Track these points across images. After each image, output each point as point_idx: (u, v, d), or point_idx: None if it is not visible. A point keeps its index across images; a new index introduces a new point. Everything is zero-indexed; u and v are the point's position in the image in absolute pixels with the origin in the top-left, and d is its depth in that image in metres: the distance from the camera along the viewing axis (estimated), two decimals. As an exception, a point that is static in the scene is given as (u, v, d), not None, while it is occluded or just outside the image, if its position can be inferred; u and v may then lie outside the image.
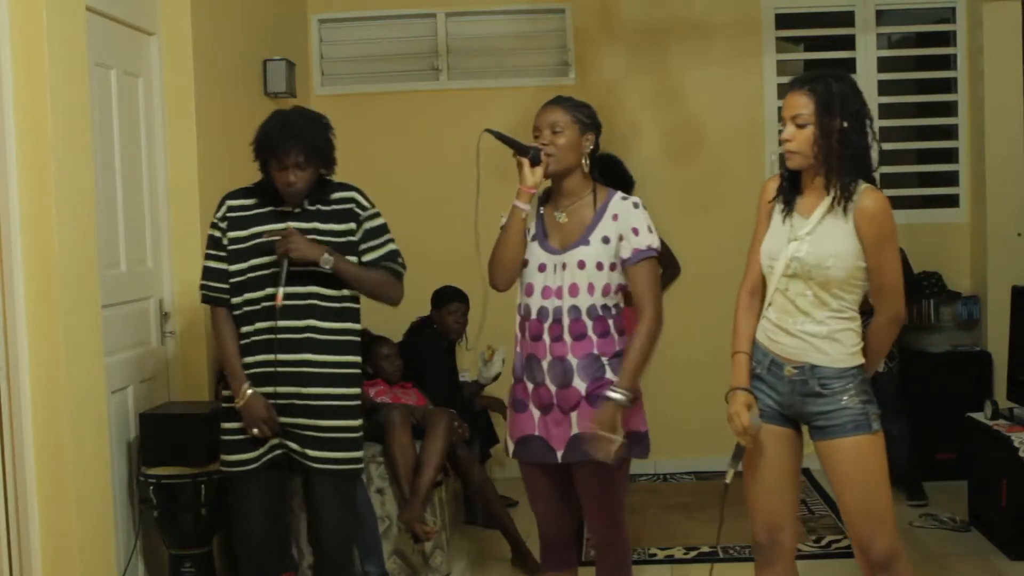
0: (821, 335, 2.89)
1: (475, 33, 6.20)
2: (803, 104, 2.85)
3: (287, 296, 3.26)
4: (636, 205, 3.15)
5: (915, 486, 5.37)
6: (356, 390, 3.44)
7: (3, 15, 3.15)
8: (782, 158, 2.95)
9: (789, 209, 2.95)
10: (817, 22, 6.26)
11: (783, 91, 3.04)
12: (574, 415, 3.09)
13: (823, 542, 4.77)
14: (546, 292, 3.12)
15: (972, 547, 4.72)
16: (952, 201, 6.16)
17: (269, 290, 3.30)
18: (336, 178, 3.50)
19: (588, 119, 3.15)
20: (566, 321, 3.09)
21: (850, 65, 6.06)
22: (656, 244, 3.14)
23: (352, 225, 3.38)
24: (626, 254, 3.11)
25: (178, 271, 4.25)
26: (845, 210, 2.83)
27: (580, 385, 3.08)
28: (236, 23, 4.93)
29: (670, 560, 4.66)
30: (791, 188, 2.97)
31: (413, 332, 5.36)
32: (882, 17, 6.15)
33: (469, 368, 5.55)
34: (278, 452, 3.36)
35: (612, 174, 3.99)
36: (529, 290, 3.15)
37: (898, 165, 6.21)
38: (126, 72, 4.06)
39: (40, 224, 3.21)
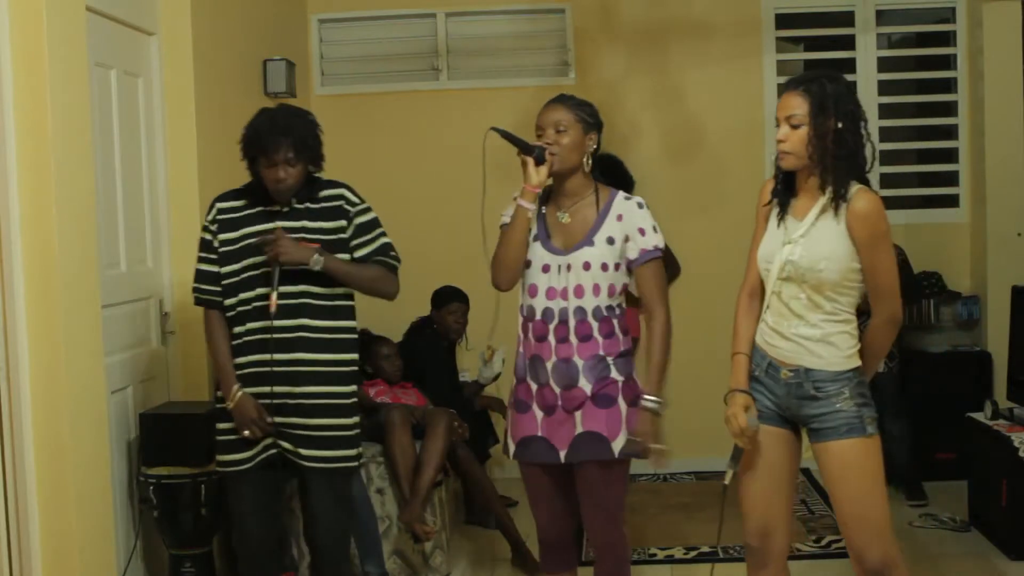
0: (815, 338, 2.89)
1: (475, 33, 6.20)
2: (797, 104, 2.85)
3: (279, 295, 3.26)
4: (640, 205, 3.15)
5: (915, 486, 5.37)
6: (351, 388, 3.43)
7: (3, 15, 3.15)
8: (776, 159, 2.95)
9: (783, 212, 2.96)
10: (817, 22, 6.26)
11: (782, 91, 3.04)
12: (578, 415, 3.09)
13: (823, 542, 4.77)
14: (550, 293, 3.11)
15: (972, 547, 4.72)
16: (952, 201, 6.16)
17: (260, 290, 3.30)
18: (331, 177, 3.50)
19: (591, 118, 3.14)
20: (572, 322, 3.09)
21: (850, 65, 6.06)
22: (661, 244, 3.15)
23: (342, 222, 3.37)
24: (633, 255, 3.12)
25: (178, 271, 4.25)
26: (837, 211, 2.83)
27: (586, 386, 3.08)
28: (236, 23, 4.93)
29: (670, 560, 4.66)
30: (785, 190, 2.97)
31: (413, 332, 5.36)
32: (882, 17, 6.15)
33: (469, 368, 5.55)
34: (272, 452, 3.36)
35: (613, 174, 3.99)
36: (533, 291, 3.14)
37: (898, 165, 6.21)
38: (126, 72, 4.06)
39: (40, 224, 3.21)
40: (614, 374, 3.10)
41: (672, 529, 5.07)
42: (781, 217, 2.96)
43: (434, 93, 6.20)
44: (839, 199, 2.82)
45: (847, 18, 6.12)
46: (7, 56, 3.16)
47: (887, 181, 5.97)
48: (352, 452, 3.43)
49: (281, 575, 3.99)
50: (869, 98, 6.03)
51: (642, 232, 3.12)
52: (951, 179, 6.18)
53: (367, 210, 3.42)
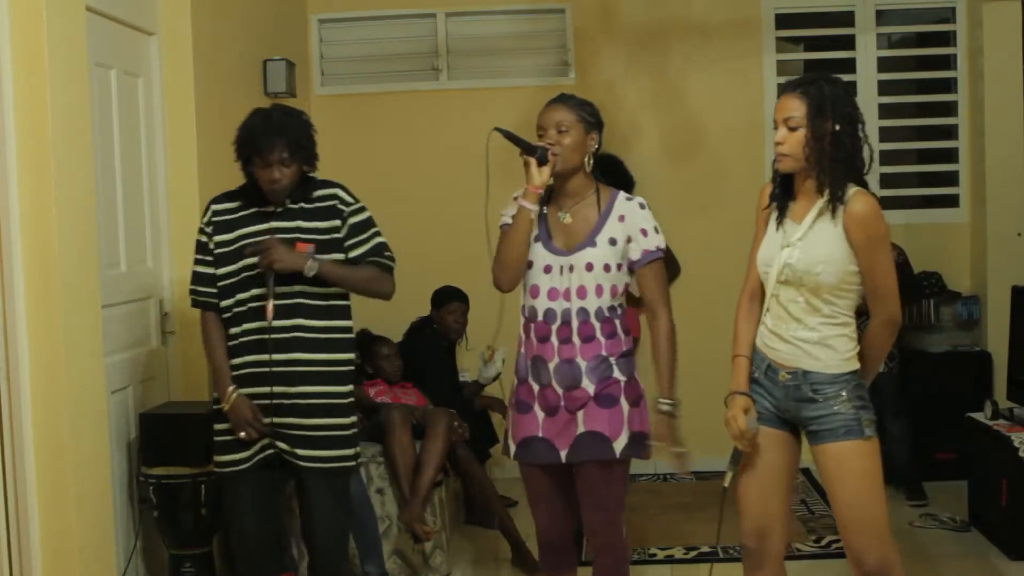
0: (813, 341, 2.89)
1: (475, 33, 6.20)
2: (795, 107, 2.85)
3: (275, 296, 3.27)
4: (642, 206, 3.15)
5: (915, 486, 5.37)
6: (347, 388, 3.42)
7: (3, 15, 3.15)
8: (774, 162, 2.95)
9: (782, 215, 2.96)
10: (817, 22, 6.26)
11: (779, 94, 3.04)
12: (580, 414, 3.09)
13: (823, 542, 4.77)
14: (552, 294, 3.11)
15: (972, 547, 4.72)
16: (952, 201, 6.16)
17: (256, 291, 3.30)
18: (331, 176, 3.50)
19: (592, 118, 3.14)
20: (575, 323, 3.08)
21: (850, 65, 6.07)
22: (663, 244, 3.15)
23: (336, 222, 3.36)
24: (635, 256, 3.12)
25: (178, 271, 4.25)
26: (834, 214, 2.83)
27: (589, 386, 3.09)
28: (236, 23, 4.93)
29: (670, 560, 4.66)
30: (784, 194, 2.97)
31: (413, 332, 5.36)
32: (882, 17, 6.16)
33: (469, 368, 5.55)
34: (269, 452, 3.36)
35: (613, 174, 3.98)
36: (535, 292, 3.13)
37: (898, 165, 6.21)
38: (126, 72, 4.06)
39: (40, 224, 3.21)
40: (616, 374, 3.11)
41: (672, 529, 5.07)
42: (780, 220, 2.96)
43: (434, 93, 6.20)
44: (836, 202, 2.82)
45: (847, 18, 6.12)
46: (7, 56, 3.16)
47: (887, 181, 5.97)
48: (350, 452, 3.42)
49: (281, 575, 4.00)
50: (869, 98, 6.03)
51: (644, 233, 3.12)
52: (951, 179, 6.18)
53: (361, 210, 3.41)
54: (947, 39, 6.12)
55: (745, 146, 6.01)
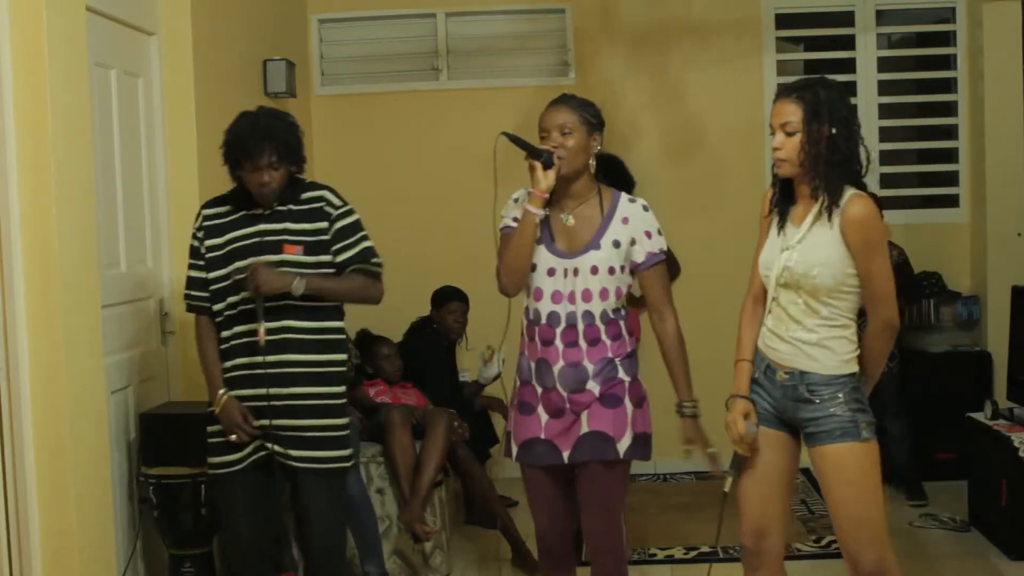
0: (811, 342, 2.89)
1: (475, 33, 6.21)
2: (792, 112, 2.85)
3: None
4: (645, 208, 3.15)
5: (915, 486, 5.37)
6: (339, 389, 3.41)
7: (3, 15, 3.15)
8: (773, 167, 2.96)
9: (783, 219, 2.97)
10: (817, 22, 6.26)
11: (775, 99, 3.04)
12: (584, 415, 3.09)
13: (823, 542, 4.77)
14: (556, 297, 3.10)
15: (972, 547, 4.72)
16: (952, 201, 6.16)
17: (247, 294, 3.30)
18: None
19: (595, 118, 3.12)
20: (580, 326, 3.08)
21: (850, 65, 6.07)
22: (665, 246, 3.16)
23: (323, 224, 3.36)
24: (639, 258, 3.11)
25: (178, 271, 4.25)
26: (831, 217, 2.83)
27: (594, 388, 3.08)
28: (236, 23, 4.93)
29: (670, 560, 4.66)
30: (783, 198, 2.98)
31: (413, 332, 5.36)
32: (882, 17, 6.16)
33: (469, 368, 5.55)
34: (262, 454, 3.36)
35: (614, 175, 3.98)
36: (538, 294, 3.12)
37: (898, 165, 6.22)
38: (126, 72, 4.06)
39: (40, 224, 3.21)
40: (621, 374, 3.11)
41: (672, 529, 5.07)
42: (781, 224, 2.97)
43: (434, 93, 6.20)
44: (832, 205, 2.83)
45: (847, 18, 6.12)
46: (7, 56, 3.16)
47: (887, 181, 5.98)
48: (345, 452, 3.42)
49: (281, 575, 4.00)
50: (869, 98, 6.04)
51: (648, 235, 3.12)
52: (951, 179, 6.18)
53: (348, 213, 3.40)
54: (947, 39, 6.12)
55: (745, 146, 6.01)
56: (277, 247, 3.31)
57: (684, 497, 5.62)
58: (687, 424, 3.15)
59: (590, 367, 3.08)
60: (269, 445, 3.34)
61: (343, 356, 3.45)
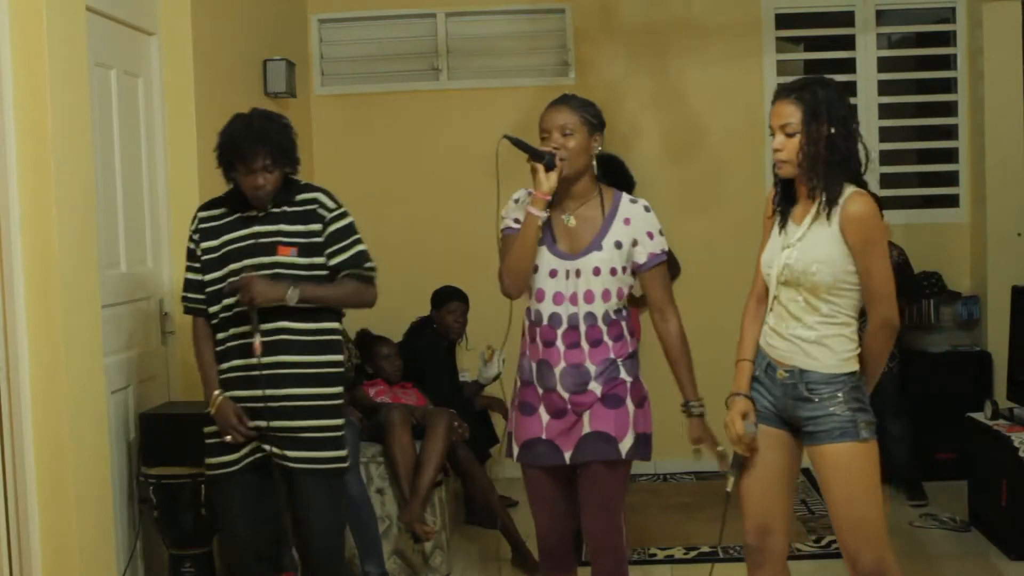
0: (811, 340, 2.89)
1: (475, 33, 6.21)
2: (791, 113, 2.85)
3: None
4: (647, 208, 3.14)
5: (915, 486, 5.38)
6: (335, 389, 3.41)
7: (3, 15, 3.15)
8: (774, 167, 2.96)
9: (784, 218, 2.97)
10: (817, 22, 6.26)
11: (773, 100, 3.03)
12: (586, 415, 3.09)
13: (823, 542, 4.77)
14: (558, 298, 3.09)
15: (972, 547, 4.73)
16: (952, 201, 6.17)
17: (235, 300, 3.30)
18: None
19: (595, 119, 3.12)
20: (583, 328, 3.07)
21: (850, 65, 6.07)
22: (667, 247, 3.15)
23: (317, 227, 3.36)
24: (641, 259, 3.11)
25: (178, 271, 4.24)
26: (829, 215, 2.84)
27: (596, 388, 3.08)
28: (236, 23, 4.93)
29: (670, 560, 4.66)
30: (785, 198, 2.99)
31: (413, 332, 5.36)
32: (882, 17, 6.16)
33: (469, 368, 5.56)
34: (259, 455, 3.37)
35: (614, 175, 3.98)
36: (540, 296, 3.12)
37: (898, 165, 6.22)
38: (126, 72, 4.06)
39: (40, 224, 3.21)
40: (623, 375, 3.11)
41: (672, 529, 5.07)
42: (782, 223, 2.98)
43: (434, 93, 6.20)
44: (831, 203, 2.83)
45: (847, 18, 6.12)
46: (7, 56, 3.16)
47: (887, 181, 5.98)
48: (341, 453, 3.42)
49: (281, 575, 4.00)
50: (869, 98, 6.04)
51: (650, 236, 3.12)
52: (951, 179, 6.18)
53: (342, 216, 3.40)
54: (947, 39, 6.12)
55: (745, 146, 6.01)
56: (271, 249, 3.32)
57: (684, 497, 5.62)
58: (694, 423, 3.16)
59: (592, 368, 3.08)
60: (266, 447, 3.34)
61: (339, 357, 3.45)
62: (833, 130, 2.82)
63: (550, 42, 6.18)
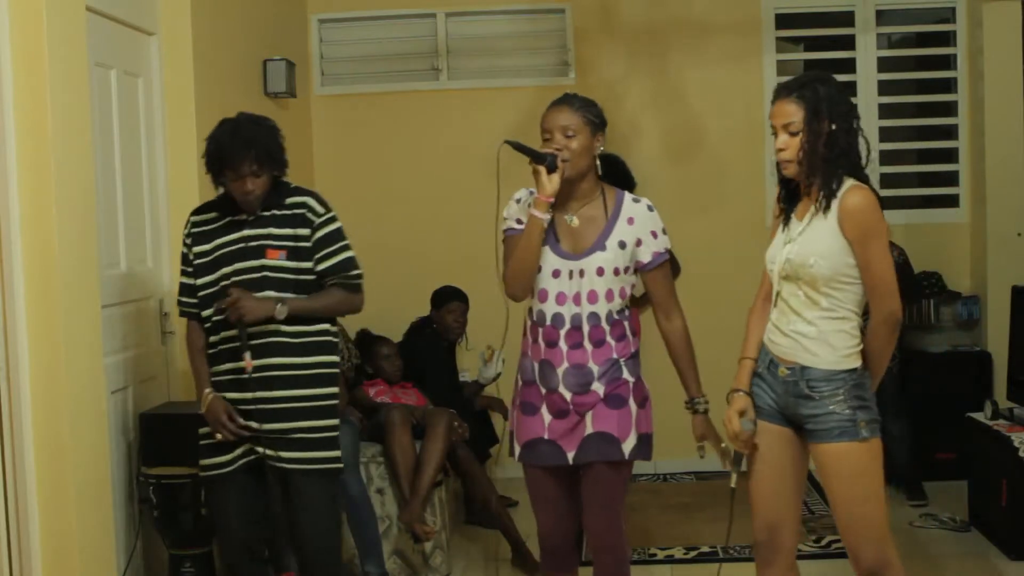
0: (811, 335, 2.89)
1: (475, 33, 6.21)
2: (793, 111, 2.86)
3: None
4: (650, 208, 3.14)
5: (915, 486, 5.38)
6: (327, 390, 3.41)
7: (3, 15, 3.15)
8: (778, 167, 2.96)
9: (788, 215, 2.98)
10: (817, 22, 6.26)
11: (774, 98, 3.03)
12: (589, 416, 3.09)
13: (823, 542, 4.78)
14: (561, 298, 3.09)
15: (972, 547, 4.73)
16: (952, 201, 6.16)
17: (222, 314, 3.31)
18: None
19: (598, 119, 3.11)
20: (586, 328, 3.07)
21: (850, 65, 6.07)
22: (669, 246, 3.15)
23: (306, 231, 3.36)
24: (645, 259, 3.11)
25: (178, 271, 4.23)
26: (828, 208, 2.84)
27: (599, 388, 3.08)
28: (236, 23, 4.93)
29: (670, 560, 4.66)
30: (789, 197, 2.99)
31: (413, 332, 5.36)
32: (882, 17, 6.15)
33: (469, 368, 5.56)
34: (252, 458, 3.37)
35: (615, 174, 3.97)
36: (543, 296, 3.11)
37: (898, 165, 6.21)
38: (126, 72, 4.06)
39: (40, 224, 3.21)
40: (626, 375, 3.11)
41: (672, 529, 5.07)
42: (786, 221, 2.99)
43: (434, 93, 6.20)
44: (829, 197, 2.84)
45: (847, 18, 6.11)
46: (7, 56, 3.16)
47: (887, 181, 5.97)
48: (335, 453, 3.42)
49: (281, 575, 4.00)
50: (869, 98, 6.04)
51: (654, 235, 3.12)
52: (951, 179, 6.18)
53: (330, 221, 3.40)
54: (947, 39, 6.12)
55: (745, 146, 6.01)
56: (260, 252, 3.33)
57: (684, 497, 5.62)
58: (698, 420, 3.17)
59: (595, 368, 3.08)
60: (259, 449, 3.34)
61: (332, 358, 3.45)
62: (834, 126, 2.83)
63: (550, 42, 6.18)
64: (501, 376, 5.08)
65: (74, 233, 3.32)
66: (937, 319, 5.94)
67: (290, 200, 3.39)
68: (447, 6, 6.16)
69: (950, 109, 6.14)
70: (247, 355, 3.27)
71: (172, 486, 3.74)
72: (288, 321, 3.31)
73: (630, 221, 3.10)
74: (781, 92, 2.91)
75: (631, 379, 3.11)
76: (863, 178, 2.88)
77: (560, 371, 3.09)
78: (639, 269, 3.13)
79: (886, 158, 6.03)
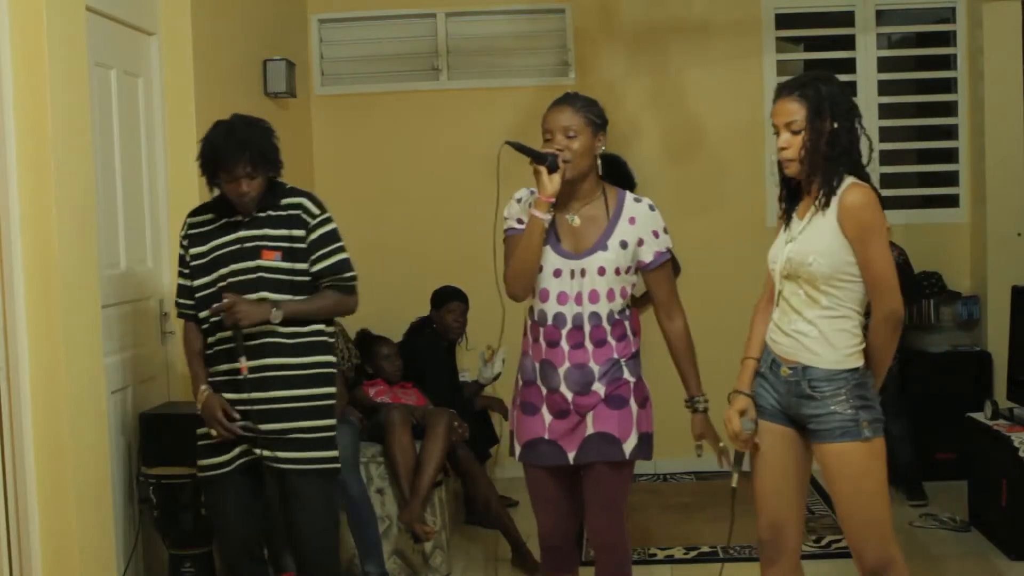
0: (812, 335, 2.89)
1: (475, 33, 6.20)
2: (795, 110, 2.86)
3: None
4: (652, 207, 3.14)
5: (915, 486, 5.37)
6: (324, 390, 3.41)
7: (3, 15, 3.15)
8: (779, 166, 2.96)
9: (789, 215, 2.99)
10: (817, 22, 6.26)
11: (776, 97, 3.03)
12: (590, 416, 3.08)
13: (823, 542, 4.78)
14: (562, 298, 3.08)
15: (972, 547, 4.73)
16: (952, 201, 6.16)
17: (218, 318, 3.32)
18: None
19: (599, 118, 3.11)
20: (587, 328, 3.07)
21: (850, 65, 6.07)
22: (671, 245, 3.15)
23: (301, 232, 3.37)
24: (647, 258, 3.11)
25: (177, 271, 4.25)
26: (827, 205, 2.84)
27: (599, 388, 3.08)
28: (236, 23, 4.93)
29: (670, 560, 4.66)
30: (790, 196, 3.00)
31: (413, 332, 5.36)
32: (882, 17, 6.16)
33: (469, 368, 5.56)
34: (249, 458, 3.37)
35: (615, 175, 3.98)
36: (544, 296, 3.11)
37: (898, 165, 6.21)
38: (126, 72, 4.06)
39: (40, 224, 3.21)
40: (626, 375, 3.11)
41: (672, 529, 5.07)
42: (788, 220, 2.99)
43: (434, 93, 6.20)
44: (828, 194, 2.84)
45: (847, 18, 6.12)
46: (7, 56, 3.16)
47: (887, 181, 5.97)
48: (332, 453, 3.42)
49: (281, 575, 4.00)
50: (869, 98, 6.03)
51: (656, 235, 3.12)
52: (951, 179, 6.18)
53: (325, 222, 3.41)
54: (947, 39, 6.12)
55: (745, 146, 6.01)
56: (256, 253, 3.33)
57: (684, 497, 5.62)
58: (697, 419, 3.17)
59: (596, 368, 3.08)
60: (257, 450, 3.34)
61: (329, 358, 3.45)
62: (836, 124, 2.83)
63: (550, 42, 6.18)
64: (501, 376, 5.08)
65: (74, 233, 3.32)
66: (937, 319, 5.94)
67: (285, 201, 3.39)
68: (447, 6, 6.16)
69: (950, 109, 6.14)
70: (243, 359, 3.28)
71: (172, 486, 3.74)
72: (283, 323, 3.31)
73: (631, 221, 3.10)
74: (783, 91, 2.91)
75: (632, 379, 3.11)
76: (864, 176, 2.89)
77: (562, 371, 3.09)
78: (641, 269, 3.13)
79: (886, 158, 6.03)
